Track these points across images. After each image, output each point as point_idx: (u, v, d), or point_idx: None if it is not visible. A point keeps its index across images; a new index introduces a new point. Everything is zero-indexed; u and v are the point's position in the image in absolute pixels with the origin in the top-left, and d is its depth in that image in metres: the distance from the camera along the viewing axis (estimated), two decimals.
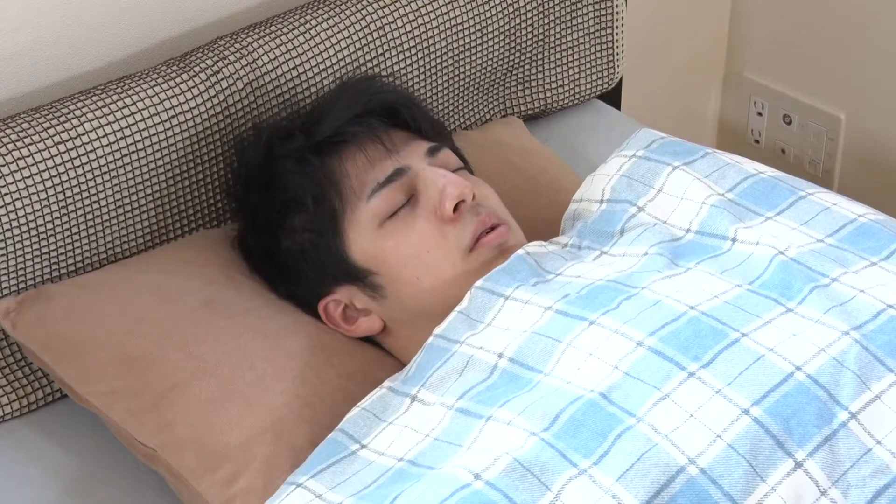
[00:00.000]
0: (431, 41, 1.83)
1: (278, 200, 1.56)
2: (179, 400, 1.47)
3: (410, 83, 1.82)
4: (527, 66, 1.95)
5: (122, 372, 1.50)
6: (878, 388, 1.29)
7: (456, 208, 1.49)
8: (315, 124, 1.56)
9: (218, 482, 1.42)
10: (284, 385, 1.48)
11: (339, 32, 1.76)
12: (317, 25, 1.75)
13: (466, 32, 1.85)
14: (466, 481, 1.25)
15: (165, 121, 1.64)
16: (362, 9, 1.78)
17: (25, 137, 1.58)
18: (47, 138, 1.59)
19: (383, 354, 1.56)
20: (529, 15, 1.90)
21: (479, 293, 1.44)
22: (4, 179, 1.56)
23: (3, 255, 1.58)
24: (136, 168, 1.64)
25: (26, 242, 1.59)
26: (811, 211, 1.48)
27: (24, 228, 1.58)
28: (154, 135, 1.64)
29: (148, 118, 1.63)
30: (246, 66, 1.70)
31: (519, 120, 1.95)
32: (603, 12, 1.97)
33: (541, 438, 1.27)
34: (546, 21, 1.93)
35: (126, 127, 1.62)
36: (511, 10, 1.88)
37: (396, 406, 1.39)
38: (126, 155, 1.63)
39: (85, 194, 1.61)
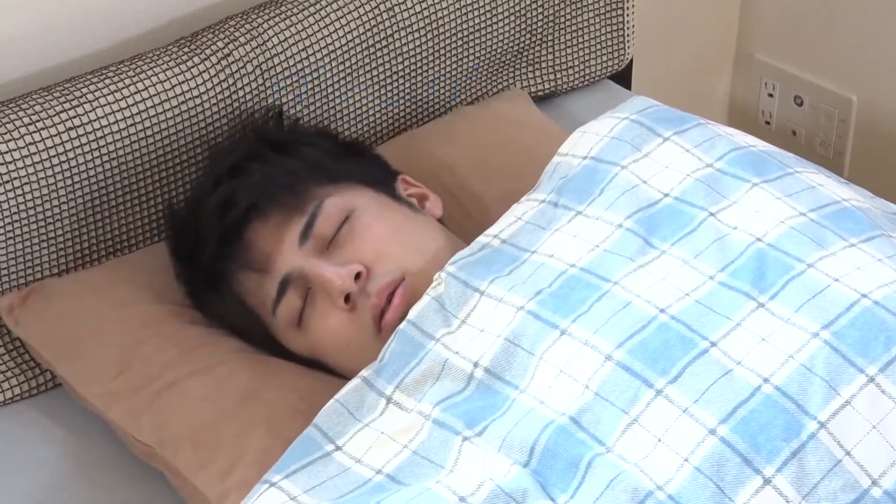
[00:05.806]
0: (441, 22, 1.82)
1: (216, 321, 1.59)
2: (176, 398, 1.49)
3: (419, 64, 1.82)
4: (537, 47, 1.94)
5: (120, 372, 1.52)
6: (848, 392, 1.26)
7: (348, 298, 1.48)
8: (193, 255, 1.56)
9: (214, 476, 1.42)
10: (282, 380, 1.50)
11: (348, 13, 1.75)
12: (327, 6, 1.74)
13: (476, 13, 1.84)
14: (451, 502, 1.26)
15: (175, 107, 1.64)
16: None
17: (38, 122, 1.58)
18: (59, 123, 1.58)
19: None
20: None
21: (452, 282, 1.43)
22: (15, 164, 1.56)
23: (10, 238, 1.58)
24: (145, 154, 1.64)
25: (33, 227, 1.59)
26: (797, 186, 1.45)
27: (32, 213, 1.58)
28: (164, 121, 1.64)
29: (158, 104, 1.63)
30: (256, 48, 1.69)
31: (523, 92, 1.94)
32: None
33: (522, 468, 1.28)
34: (556, 1, 1.92)
35: (137, 113, 1.62)
36: None
37: (371, 405, 1.39)
38: (136, 141, 1.63)
39: (93, 179, 1.61)
